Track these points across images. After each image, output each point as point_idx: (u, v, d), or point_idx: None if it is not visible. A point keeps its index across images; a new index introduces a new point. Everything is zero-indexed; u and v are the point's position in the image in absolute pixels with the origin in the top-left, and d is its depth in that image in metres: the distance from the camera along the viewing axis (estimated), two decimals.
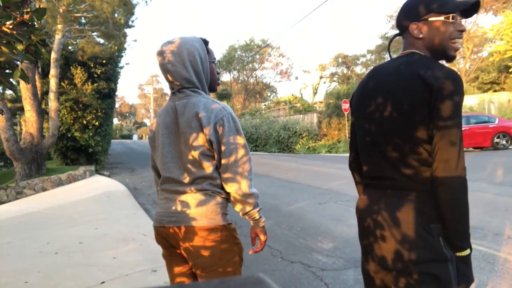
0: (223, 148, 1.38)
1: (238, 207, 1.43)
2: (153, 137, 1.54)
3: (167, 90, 1.55)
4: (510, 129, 12.26)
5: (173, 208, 1.42)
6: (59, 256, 3.63)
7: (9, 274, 3.20)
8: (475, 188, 5.67)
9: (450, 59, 1.26)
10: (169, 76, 1.44)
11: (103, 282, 2.91)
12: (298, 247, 3.73)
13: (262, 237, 1.48)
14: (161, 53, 1.45)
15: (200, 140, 1.38)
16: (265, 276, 0.35)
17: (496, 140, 12.22)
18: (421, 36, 1.24)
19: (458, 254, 1.12)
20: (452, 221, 1.09)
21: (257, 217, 1.44)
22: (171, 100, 1.49)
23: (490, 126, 12.37)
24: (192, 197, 1.40)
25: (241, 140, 1.40)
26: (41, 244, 4.10)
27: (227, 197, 1.45)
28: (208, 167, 1.40)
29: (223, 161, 1.38)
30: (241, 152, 1.38)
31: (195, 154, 1.39)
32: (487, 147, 12.51)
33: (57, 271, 3.22)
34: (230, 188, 1.39)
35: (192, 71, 1.44)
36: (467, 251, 1.12)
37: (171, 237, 1.44)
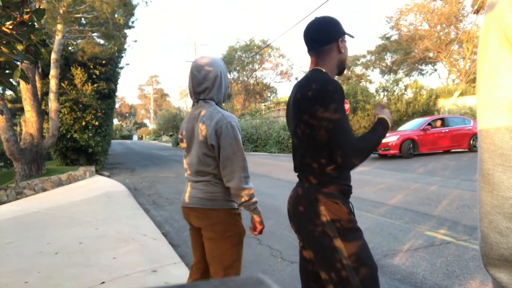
0: (221, 151, 1.70)
1: (235, 199, 1.76)
2: (182, 139, 1.93)
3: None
4: None
5: (192, 194, 1.82)
6: (59, 256, 3.63)
7: (9, 274, 3.20)
8: (475, 188, 5.65)
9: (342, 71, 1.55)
10: (195, 86, 1.78)
11: (103, 282, 2.91)
12: (298, 247, 3.72)
13: (258, 226, 1.85)
14: (195, 67, 1.78)
15: (205, 144, 1.72)
16: (265, 276, 0.34)
17: (472, 142, 12.15)
18: (342, 51, 1.46)
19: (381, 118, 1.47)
20: (377, 144, 1.40)
21: (252, 208, 1.78)
22: (192, 109, 1.87)
23: (467, 128, 12.34)
24: (202, 186, 1.78)
25: (237, 144, 1.70)
26: (41, 244, 4.10)
27: None
28: (213, 165, 1.75)
29: (221, 163, 1.72)
30: (236, 155, 1.70)
31: (202, 154, 1.74)
32: (464, 149, 12.49)
33: (57, 271, 3.22)
34: (228, 184, 1.73)
35: (213, 84, 1.78)
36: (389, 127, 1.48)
37: (189, 215, 1.88)
